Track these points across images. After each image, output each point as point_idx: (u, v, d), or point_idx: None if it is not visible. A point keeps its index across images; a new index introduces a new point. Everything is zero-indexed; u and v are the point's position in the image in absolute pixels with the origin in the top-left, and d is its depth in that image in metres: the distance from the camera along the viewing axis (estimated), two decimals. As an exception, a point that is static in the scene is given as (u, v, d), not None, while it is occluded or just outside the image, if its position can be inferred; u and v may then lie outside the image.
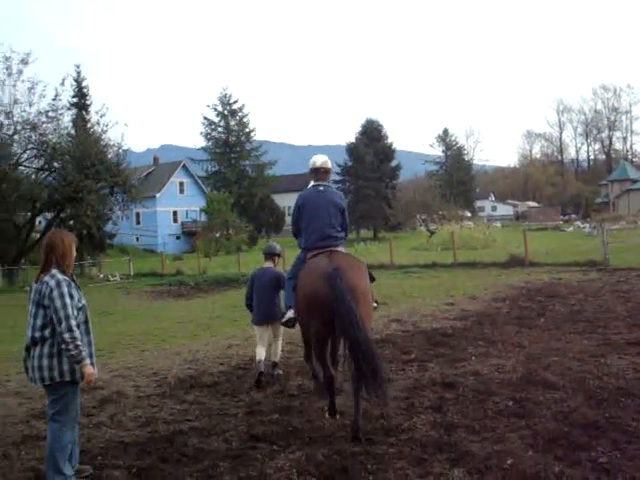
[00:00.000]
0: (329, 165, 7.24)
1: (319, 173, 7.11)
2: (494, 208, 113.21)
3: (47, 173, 36.47)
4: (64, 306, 4.64)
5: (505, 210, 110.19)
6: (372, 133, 73.13)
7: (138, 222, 67.73)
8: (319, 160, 7.18)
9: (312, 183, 7.18)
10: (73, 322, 4.67)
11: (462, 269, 22.08)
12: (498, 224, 69.99)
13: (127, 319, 16.50)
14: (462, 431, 5.29)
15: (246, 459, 5.12)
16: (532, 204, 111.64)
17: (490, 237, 37.92)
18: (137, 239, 67.40)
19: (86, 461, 5.38)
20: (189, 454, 5.36)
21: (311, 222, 6.89)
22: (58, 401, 4.79)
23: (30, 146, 34.80)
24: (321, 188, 6.99)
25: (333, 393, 6.11)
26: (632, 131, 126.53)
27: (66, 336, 4.59)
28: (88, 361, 4.70)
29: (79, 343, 4.64)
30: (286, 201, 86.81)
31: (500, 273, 19.85)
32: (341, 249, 6.80)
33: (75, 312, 4.78)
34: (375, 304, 6.95)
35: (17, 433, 6.38)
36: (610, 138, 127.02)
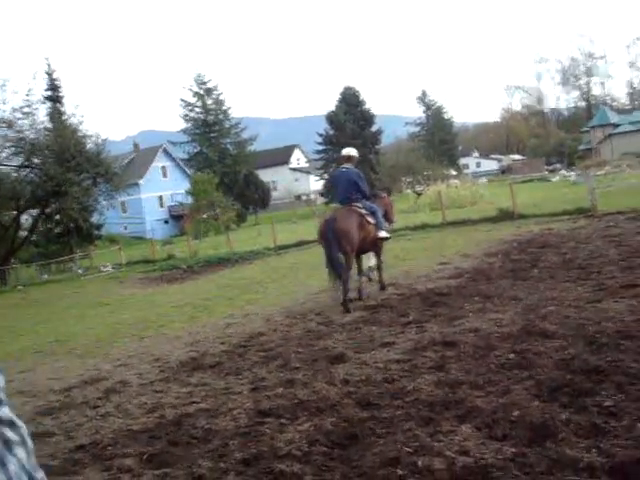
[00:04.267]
0: (352, 153, 11.56)
1: (344, 159, 11.62)
2: (479, 164, 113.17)
3: (28, 170, 36.18)
4: None
5: (490, 165, 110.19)
6: (351, 100, 72.82)
7: (124, 210, 67.49)
8: (344, 151, 11.71)
9: (341, 166, 11.69)
10: None
11: (452, 228, 22.12)
12: (484, 180, 70.05)
13: (123, 308, 16.49)
14: (467, 387, 5.31)
15: (255, 435, 5.14)
16: (516, 157, 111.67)
17: (477, 193, 37.96)
18: (125, 228, 67.18)
19: (96, 452, 5.41)
20: (198, 436, 5.37)
21: (336, 190, 11.80)
22: None
23: (8, 144, 34.46)
24: (344, 169, 11.36)
25: (345, 290, 10.27)
26: (609, 76, 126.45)
27: None
28: None
29: None
30: (270, 175, 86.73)
31: (490, 228, 19.90)
32: (358, 204, 10.89)
33: None
34: (384, 234, 11.39)
35: (25, 431, 6.36)
36: (588, 84, 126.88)
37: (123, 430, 5.95)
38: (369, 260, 12.44)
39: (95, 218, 41.64)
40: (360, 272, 11.62)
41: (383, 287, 11.60)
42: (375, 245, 11.52)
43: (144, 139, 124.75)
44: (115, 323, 13.65)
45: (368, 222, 10.85)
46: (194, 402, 6.44)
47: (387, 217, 12.24)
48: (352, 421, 5.00)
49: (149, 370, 8.43)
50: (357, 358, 6.97)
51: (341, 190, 11.14)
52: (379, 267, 11.84)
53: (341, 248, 10.34)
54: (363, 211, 10.86)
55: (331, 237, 10.26)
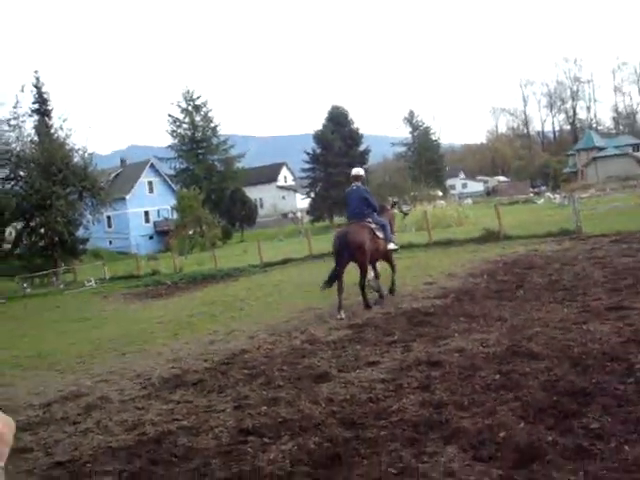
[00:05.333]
0: (360, 173, 12.94)
1: (353, 178, 12.71)
2: (465, 185, 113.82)
3: (13, 182, 35.98)
4: None
5: (476, 187, 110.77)
6: (338, 119, 73.14)
7: (110, 225, 67.16)
8: (354, 171, 12.97)
9: (352, 184, 12.64)
10: None
11: (438, 248, 22.13)
12: (470, 201, 70.33)
13: (106, 323, 16.34)
14: (452, 408, 5.27)
15: (237, 454, 5.06)
16: (502, 179, 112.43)
17: (463, 214, 38.06)
18: (110, 242, 66.83)
19: (75, 470, 5.30)
20: (179, 454, 5.29)
21: (348, 206, 12.81)
22: None
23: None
24: (354, 187, 12.48)
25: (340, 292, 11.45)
26: (595, 100, 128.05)
27: None
28: None
29: None
30: (257, 193, 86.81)
31: (476, 249, 19.92)
32: (369, 219, 12.05)
33: None
34: (394, 246, 12.80)
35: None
36: (574, 108, 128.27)
37: (103, 447, 5.85)
38: (369, 273, 12.87)
39: (80, 232, 41.38)
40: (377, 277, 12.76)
41: (382, 296, 12.39)
42: (386, 256, 12.72)
43: (131, 154, 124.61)
44: (97, 338, 13.50)
45: (377, 236, 12.02)
46: (175, 419, 6.35)
47: (390, 228, 13.10)
48: (336, 441, 4.93)
49: (130, 386, 8.33)
50: (342, 377, 6.91)
51: (354, 206, 12.32)
52: (393, 270, 12.96)
53: (356, 259, 11.60)
54: (373, 226, 12.04)
55: (344, 250, 11.48)
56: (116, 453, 5.60)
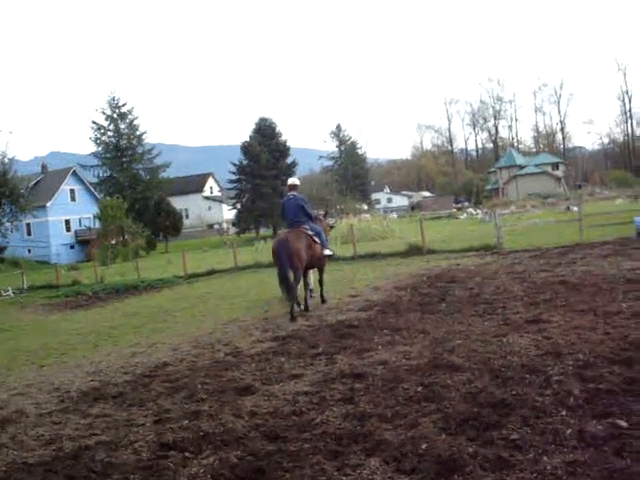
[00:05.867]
0: (296, 182, 13.62)
1: (290, 187, 13.34)
2: (390, 200, 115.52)
3: None
4: None
5: (400, 201, 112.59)
6: (266, 131, 73.21)
7: (29, 233, 65.25)
8: (290, 180, 13.73)
9: (288, 193, 13.19)
10: None
11: (363, 261, 22.33)
12: (394, 215, 71.43)
13: (23, 334, 15.80)
14: (375, 420, 5.29)
15: (158, 469, 4.94)
16: (426, 194, 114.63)
17: (388, 228, 38.53)
18: (29, 251, 64.86)
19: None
20: (97, 470, 5.13)
21: (286, 215, 12.89)
22: None
23: None
24: (291, 196, 12.96)
25: (293, 301, 11.79)
26: (516, 119, 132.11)
27: None
28: None
29: None
30: (183, 203, 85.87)
31: (400, 262, 20.19)
32: (305, 226, 12.52)
33: None
34: (329, 252, 13.35)
35: None
36: (496, 127, 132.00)
37: (18, 463, 5.62)
38: (310, 279, 13.88)
39: (-2, 240, 40.10)
40: (306, 286, 13.38)
41: (324, 300, 13.08)
42: (320, 261, 13.11)
43: (53, 160, 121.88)
44: (13, 350, 13.04)
45: (315, 242, 12.54)
46: (94, 434, 6.16)
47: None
48: (258, 455, 4.88)
49: (48, 400, 8.05)
50: (265, 390, 6.85)
51: (290, 214, 12.72)
52: (321, 282, 13.43)
53: (292, 265, 11.84)
54: (310, 232, 12.52)
55: (283, 255, 11.78)
56: (32, 469, 5.38)
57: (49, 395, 8.32)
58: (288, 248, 11.84)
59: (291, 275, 11.95)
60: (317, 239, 12.68)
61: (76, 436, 6.18)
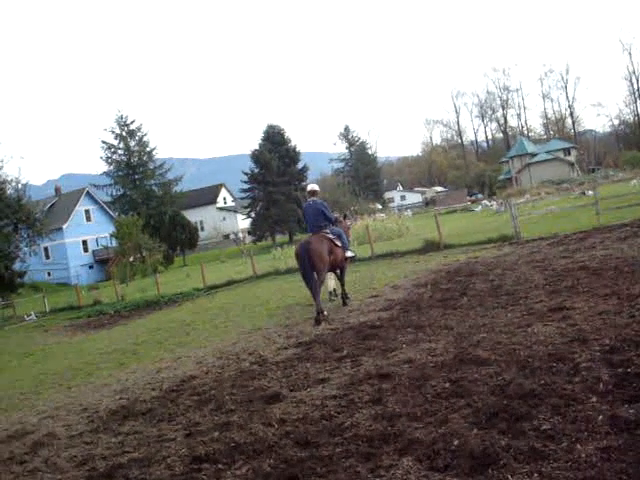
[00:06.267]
0: (315, 188, 13.92)
1: (310, 193, 13.71)
2: (403, 197, 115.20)
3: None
4: None
5: (414, 198, 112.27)
6: (275, 138, 73.25)
7: (47, 256, 65.66)
8: (309, 187, 14.15)
9: (309, 199, 13.55)
10: None
11: (381, 260, 22.29)
12: (409, 212, 71.28)
13: (49, 357, 15.93)
14: (405, 419, 5.27)
15: (191, 483, 4.96)
16: (439, 189, 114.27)
17: (403, 226, 38.49)
18: (49, 274, 65.33)
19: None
20: (132, 487, 5.15)
21: (307, 220, 13.42)
22: None
23: None
24: (311, 202, 13.31)
25: (318, 302, 12.02)
26: (525, 107, 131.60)
27: None
28: None
29: None
30: (197, 215, 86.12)
31: (418, 259, 20.14)
32: (327, 230, 12.93)
33: None
34: (351, 253, 13.96)
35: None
36: (505, 116, 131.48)
37: (51, 486, 5.66)
38: (330, 282, 14.61)
39: (17, 265, 40.32)
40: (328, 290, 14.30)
41: (346, 302, 13.39)
42: (342, 264, 13.52)
43: (66, 182, 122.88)
44: (40, 373, 13.15)
45: (336, 245, 12.93)
46: (126, 452, 6.19)
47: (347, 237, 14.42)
48: (291, 462, 4.88)
49: (77, 421, 8.11)
50: (293, 396, 6.86)
51: (311, 219, 13.14)
52: (342, 283, 13.77)
53: (315, 267, 12.26)
54: (331, 236, 12.92)
55: (306, 258, 12.25)
56: (66, 491, 5.42)
57: (78, 416, 8.38)
58: (310, 251, 12.24)
59: (315, 278, 12.33)
60: (338, 242, 13.05)
61: (108, 455, 6.22)
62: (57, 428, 7.89)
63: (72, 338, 20.08)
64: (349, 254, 13.74)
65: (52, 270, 65.64)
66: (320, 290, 12.48)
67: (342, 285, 13.77)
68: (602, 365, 5.58)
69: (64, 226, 65.17)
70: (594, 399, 4.84)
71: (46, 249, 63.25)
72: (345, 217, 16.19)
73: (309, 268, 12.28)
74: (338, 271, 13.79)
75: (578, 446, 4.11)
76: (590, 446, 4.08)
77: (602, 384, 5.10)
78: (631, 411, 4.47)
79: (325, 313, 12.01)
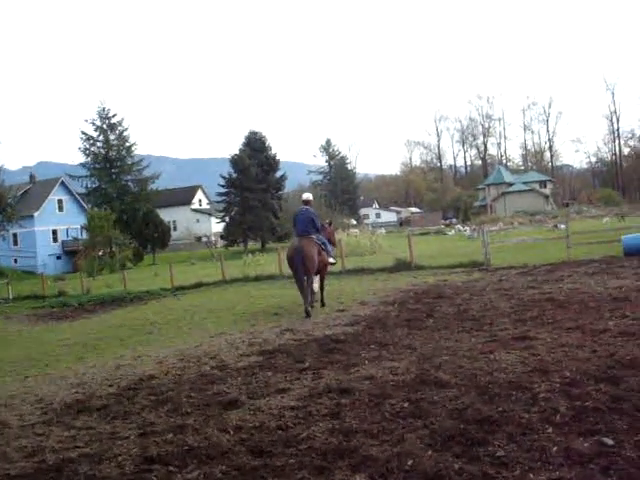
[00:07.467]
0: (309, 198, 15.07)
1: (304, 202, 14.77)
2: (378, 215, 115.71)
3: None
4: None
5: (389, 217, 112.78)
6: (256, 144, 73.29)
7: (16, 243, 64.93)
8: (304, 195, 15.35)
9: (302, 207, 14.65)
10: None
11: (351, 275, 22.33)
12: (383, 230, 71.48)
13: (7, 345, 15.69)
14: (361, 436, 5.26)
15: (141, 483, 4.89)
16: (414, 210, 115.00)
17: (376, 243, 38.61)
18: (15, 261, 64.55)
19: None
20: (80, 483, 5.07)
21: (297, 225, 14.31)
22: None
23: None
24: (304, 209, 14.42)
25: (307, 301, 13.33)
26: (505, 137, 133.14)
27: None
28: None
29: None
30: (171, 215, 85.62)
31: (388, 277, 20.20)
32: (313, 236, 14.04)
33: None
34: (332, 260, 15.36)
35: None
36: (485, 144, 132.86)
37: (0, 475, 5.55)
38: (315, 285, 14.91)
39: (-18, 250, 39.80)
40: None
41: (323, 304, 14.56)
42: (325, 268, 14.81)
43: (41, 170, 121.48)
44: (-3, 361, 12.93)
45: (323, 249, 14.31)
46: (77, 447, 6.09)
47: (332, 242, 15.76)
48: (244, 469, 4.84)
49: (31, 411, 7.96)
50: (251, 404, 6.80)
51: (301, 225, 14.20)
52: (322, 287, 14.87)
53: (306, 269, 13.51)
54: (318, 242, 14.18)
55: (299, 261, 13.49)
56: (12, 482, 5.32)
57: (32, 407, 8.23)
58: (302, 254, 13.50)
59: (305, 279, 13.55)
60: (324, 247, 14.47)
61: (59, 448, 6.11)
62: (10, 417, 7.74)
63: (33, 327, 19.81)
64: (332, 260, 15.19)
65: (19, 257, 64.89)
66: (309, 291, 13.61)
67: (321, 290, 14.82)
68: (561, 397, 5.63)
69: (35, 214, 64.49)
70: (550, 430, 4.87)
71: (15, 235, 62.55)
72: (330, 224, 16.45)
73: (301, 271, 13.52)
74: (318, 276, 14.66)
75: (531, 475, 4.12)
76: (542, 476, 4.10)
77: (559, 416, 5.14)
78: (586, 444, 4.50)
79: (313, 306, 13.65)
